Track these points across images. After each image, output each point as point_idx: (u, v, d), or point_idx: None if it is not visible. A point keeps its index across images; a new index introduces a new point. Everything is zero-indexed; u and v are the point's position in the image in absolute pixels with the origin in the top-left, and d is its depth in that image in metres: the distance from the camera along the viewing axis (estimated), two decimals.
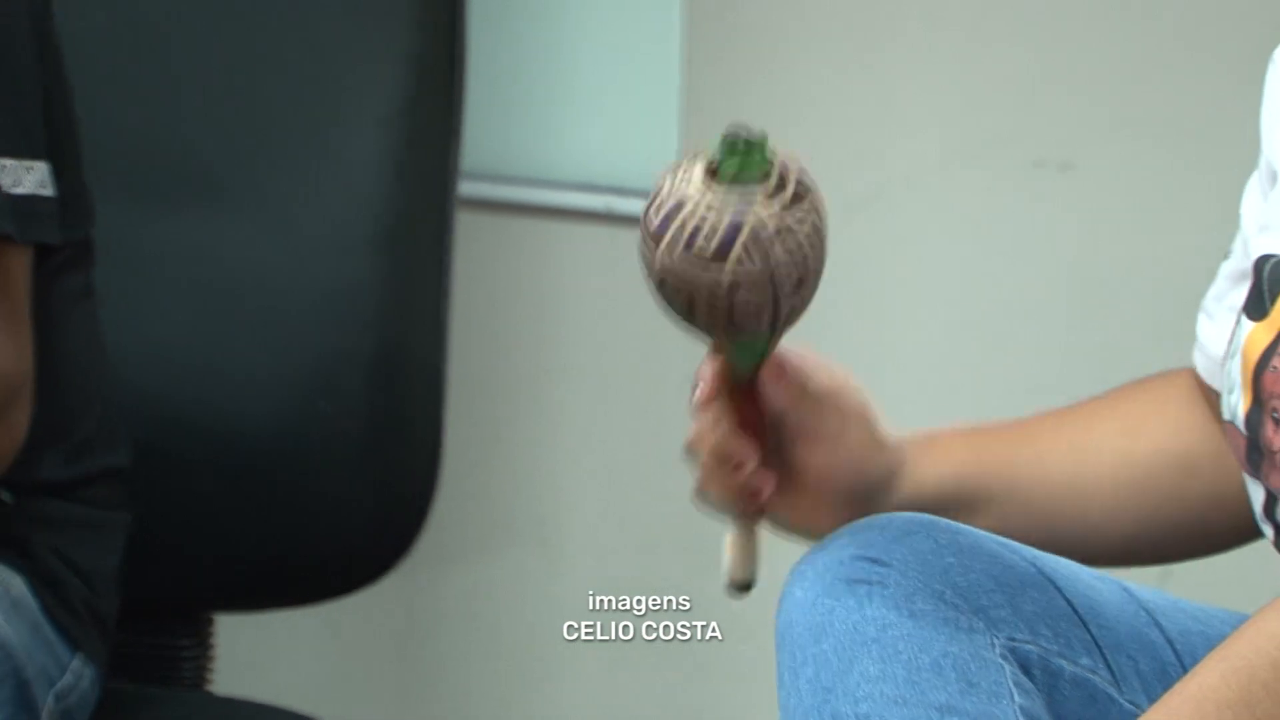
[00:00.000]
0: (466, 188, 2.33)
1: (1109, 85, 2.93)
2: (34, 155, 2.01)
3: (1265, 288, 1.64)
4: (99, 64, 2.22)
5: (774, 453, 1.74)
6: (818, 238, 1.64)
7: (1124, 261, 2.89)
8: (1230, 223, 1.79)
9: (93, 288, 2.13)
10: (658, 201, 1.62)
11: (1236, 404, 1.65)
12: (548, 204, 3.21)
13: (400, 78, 2.28)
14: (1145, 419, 1.82)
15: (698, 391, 1.72)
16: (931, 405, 3.02)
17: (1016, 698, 1.54)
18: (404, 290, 2.28)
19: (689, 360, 3.16)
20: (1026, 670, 1.57)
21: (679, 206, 1.61)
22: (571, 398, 3.27)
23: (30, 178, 2.00)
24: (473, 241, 2.32)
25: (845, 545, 1.59)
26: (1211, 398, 1.77)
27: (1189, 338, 1.81)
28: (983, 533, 1.64)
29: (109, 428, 2.14)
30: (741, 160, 1.62)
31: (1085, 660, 1.60)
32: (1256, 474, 1.64)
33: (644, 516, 3.25)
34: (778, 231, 1.62)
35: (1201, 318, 1.78)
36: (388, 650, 3.25)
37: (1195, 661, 1.48)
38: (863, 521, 1.63)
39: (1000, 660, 1.55)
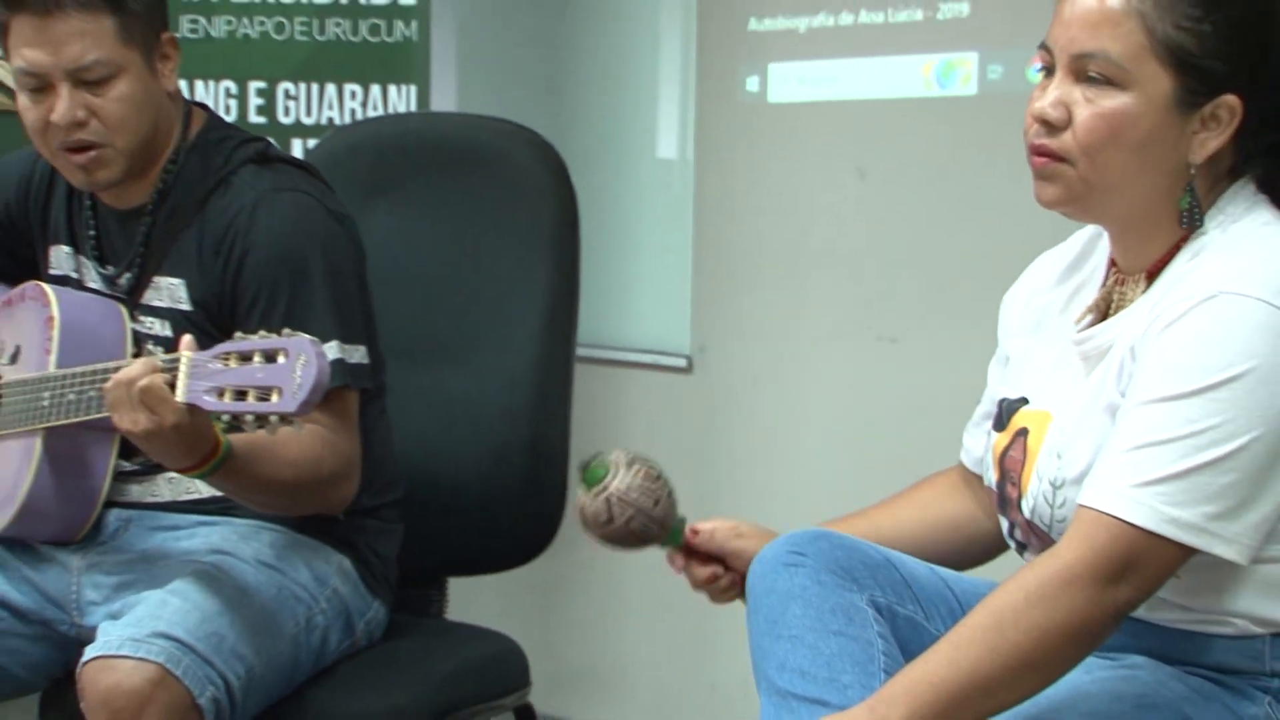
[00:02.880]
0: (578, 350, 2.31)
1: (921, 290, 2.89)
2: (359, 341, 1.96)
3: (1003, 414, 1.65)
4: (381, 284, 2.14)
5: (730, 567, 1.76)
6: (649, 481, 1.68)
7: (929, 397, 2.84)
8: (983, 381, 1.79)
9: (385, 408, 2.10)
10: (577, 512, 1.69)
11: (991, 477, 1.65)
12: (618, 359, 3.23)
13: (545, 290, 2.22)
14: (932, 500, 1.79)
15: (672, 565, 1.77)
16: (821, 489, 3.00)
17: (876, 627, 1.56)
18: (546, 407, 2.21)
19: (699, 443, 3.10)
20: (879, 612, 1.58)
21: (582, 511, 1.69)
22: None
23: (357, 354, 1.96)
24: (579, 380, 2.33)
25: (782, 545, 1.60)
26: (970, 478, 1.77)
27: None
28: (857, 538, 1.64)
29: (394, 479, 2.12)
30: (589, 476, 1.68)
31: (910, 606, 1.62)
32: (1004, 513, 1.64)
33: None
34: (624, 493, 1.67)
35: (965, 435, 1.78)
36: (539, 595, 3.23)
37: (970, 608, 1.48)
38: (790, 534, 1.62)
39: (866, 607, 1.57)
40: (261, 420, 1.62)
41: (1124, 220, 1.55)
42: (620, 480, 1.67)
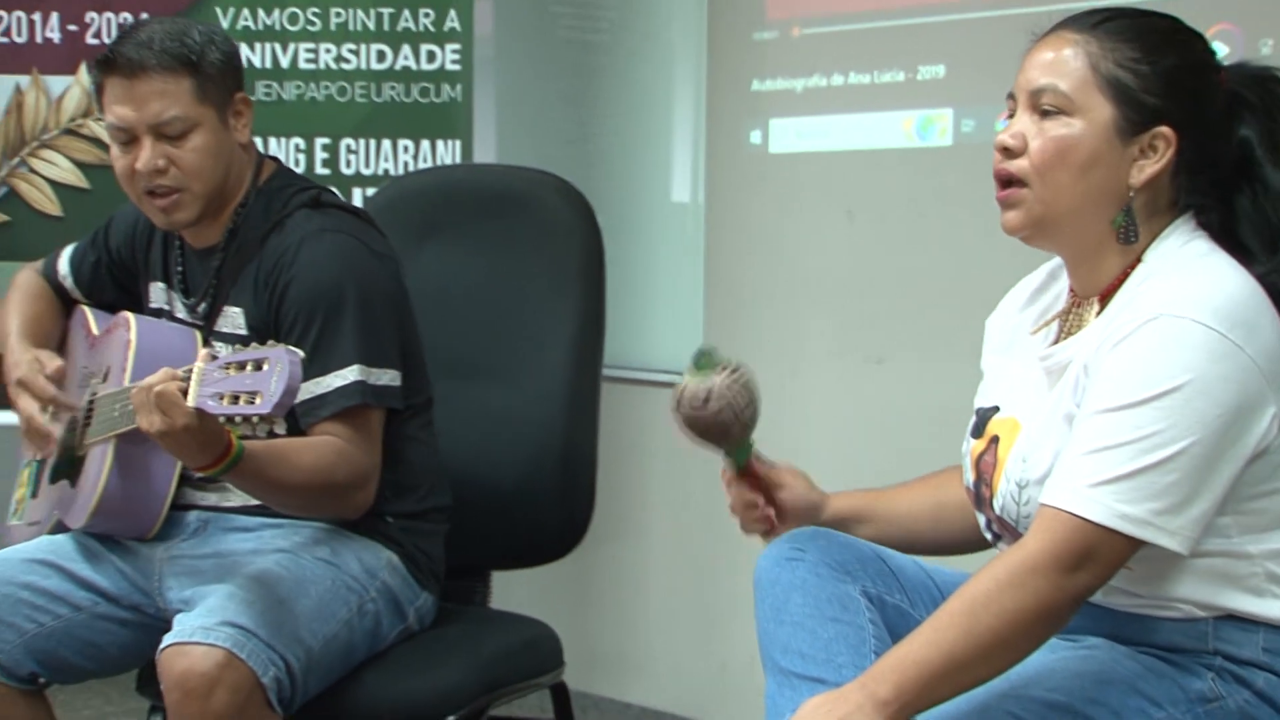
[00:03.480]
0: (604, 370, 2.28)
1: (904, 316, 2.88)
2: (387, 366, 1.94)
3: (979, 422, 1.66)
4: (433, 313, 2.13)
5: (770, 503, 1.73)
6: (749, 388, 1.64)
7: (911, 410, 2.83)
8: (970, 398, 1.75)
9: (432, 420, 2.08)
10: (676, 391, 1.66)
11: (969, 478, 1.66)
12: (639, 378, 3.20)
13: (574, 317, 2.22)
14: (942, 486, 1.75)
15: (724, 479, 1.73)
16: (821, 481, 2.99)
17: (868, 614, 1.57)
18: (576, 420, 2.20)
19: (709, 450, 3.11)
20: (870, 601, 1.58)
21: (684, 389, 1.65)
22: (652, 468, 3.24)
23: (385, 377, 1.93)
24: (606, 396, 2.26)
25: (784, 541, 1.61)
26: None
27: (952, 452, 1.74)
28: (851, 536, 1.64)
29: (439, 486, 2.09)
30: (702, 363, 1.65)
31: (898, 596, 1.62)
32: (979, 510, 1.65)
33: (688, 536, 3.21)
34: (727, 386, 1.63)
35: (964, 444, 1.71)
36: (572, 586, 3.20)
37: (949, 596, 1.47)
38: (792, 531, 1.63)
39: (860, 597, 1.57)
40: (248, 420, 1.62)
41: (1077, 247, 1.56)
42: (727, 376, 1.64)
